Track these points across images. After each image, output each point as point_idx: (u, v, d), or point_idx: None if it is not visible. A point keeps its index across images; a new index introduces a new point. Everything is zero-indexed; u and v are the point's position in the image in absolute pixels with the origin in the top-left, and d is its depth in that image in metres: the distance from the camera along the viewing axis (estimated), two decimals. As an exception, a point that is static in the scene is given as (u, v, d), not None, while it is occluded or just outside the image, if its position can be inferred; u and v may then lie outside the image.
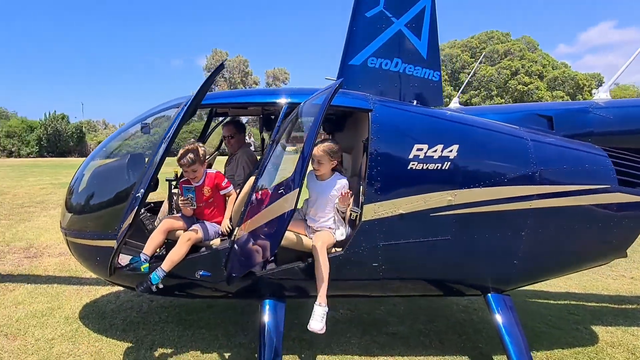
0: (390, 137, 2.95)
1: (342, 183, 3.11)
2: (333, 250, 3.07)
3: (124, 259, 3.15)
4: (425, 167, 2.92)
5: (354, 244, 2.99)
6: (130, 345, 3.50)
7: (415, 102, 3.31)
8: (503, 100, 51.41)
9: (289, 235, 3.06)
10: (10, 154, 31.93)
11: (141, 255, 3.01)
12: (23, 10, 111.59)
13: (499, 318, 3.09)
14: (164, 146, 2.89)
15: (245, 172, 3.97)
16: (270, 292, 3.15)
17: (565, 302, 4.71)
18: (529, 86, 49.36)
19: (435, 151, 2.92)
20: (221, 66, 2.91)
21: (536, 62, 52.66)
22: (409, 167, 2.90)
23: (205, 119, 4.79)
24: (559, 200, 3.05)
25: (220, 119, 4.67)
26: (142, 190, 2.82)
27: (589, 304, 4.64)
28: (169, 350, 3.44)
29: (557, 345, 3.61)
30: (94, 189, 3.48)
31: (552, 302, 4.69)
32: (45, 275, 5.29)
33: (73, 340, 3.58)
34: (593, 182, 3.08)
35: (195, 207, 3.25)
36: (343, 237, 3.09)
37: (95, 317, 4.04)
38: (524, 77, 50.10)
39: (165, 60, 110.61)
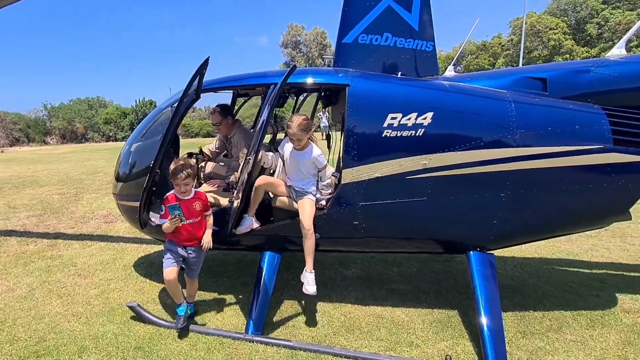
0: (364, 108, 3.43)
1: (317, 152, 3.69)
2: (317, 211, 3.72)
3: (154, 217, 4.20)
4: (399, 135, 3.35)
5: (335, 204, 3.60)
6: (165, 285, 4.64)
7: (399, 73, 3.72)
8: (646, 54, 44.38)
9: (283, 199, 3.82)
10: (108, 139, 37.80)
11: (182, 305, 3.74)
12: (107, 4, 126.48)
13: (477, 277, 3.45)
14: (171, 128, 3.72)
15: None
16: (268, 245, 3.94)
17: (604, 271, 4.73)
18: (685, 32, 41.77)
19: (409, 119, 3.34)
20: (205, 62, 3.58)
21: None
22: (383, 135, 3.36)
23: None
24: (543, 162, 3.26)
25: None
26: (152, 161, 3.72)
27: (632, 273, 4.60)
28: (194, 291, 4.51)
29: (560, 308, 3.84)
30: (131, 163, 4.56)
31: (585, 270, 4.76)
32: (116, 235, 6.86)
33: (125, 280, 4.86)
34: (583, 143, 3.22)
35: (185, 222, 3.59)
36: (323, 202, 3.73)
37: (145, 266, 5.32)
38: (677, 21, 42.50)
39: (250, 38, 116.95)
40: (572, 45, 48.78)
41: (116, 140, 38.63)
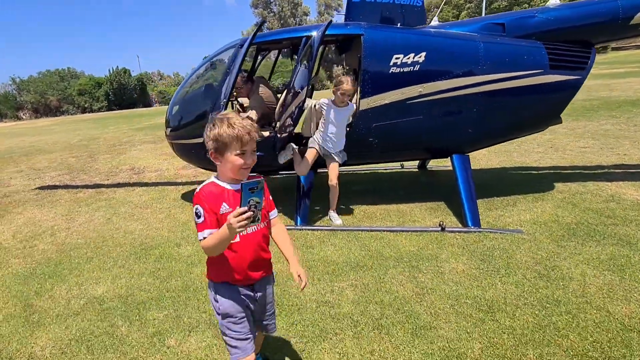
0: (375, 52, 4.53)
1: (353, 108, 4.79)
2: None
3: None
4: (401, 70, 4.50)
5: (355, 127, 4.76)
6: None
7: (399, 24, 4.80)
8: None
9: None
10: (84, 110, 37.14)
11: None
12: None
13: (458, 171, 4.77)
14: (234, 72, 4.77)
15: (262, 97, 5.65)
16: None
17: (545, 172, 6.21)
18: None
19: (409, 58, 4.48)
20: (262, 22, 4.61)
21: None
22: (390, 71, 4.50)
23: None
24: (503, 84, 4.52)
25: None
26: (222, 103, 4.77)
27: (564, 171, 6.10)
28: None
29: (515, 194, 5.27)
30: (185, 110, 5.60)
31: (533, 172, 6.26)
32: (151, 182, 7.89)
33: (181, 207, 6.00)
34: (530, 69, 4.49)
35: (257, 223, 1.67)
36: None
37: (191, 199, 6.44)
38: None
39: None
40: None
41: (92, 111, 37.98)
